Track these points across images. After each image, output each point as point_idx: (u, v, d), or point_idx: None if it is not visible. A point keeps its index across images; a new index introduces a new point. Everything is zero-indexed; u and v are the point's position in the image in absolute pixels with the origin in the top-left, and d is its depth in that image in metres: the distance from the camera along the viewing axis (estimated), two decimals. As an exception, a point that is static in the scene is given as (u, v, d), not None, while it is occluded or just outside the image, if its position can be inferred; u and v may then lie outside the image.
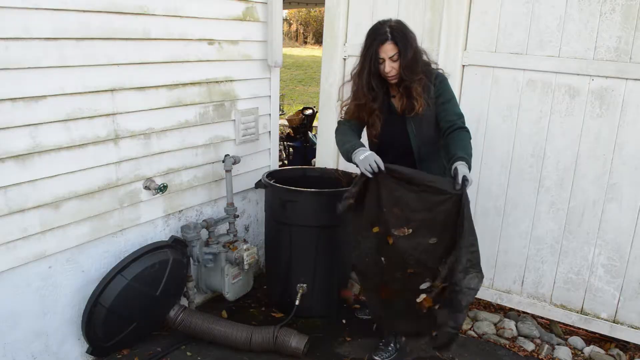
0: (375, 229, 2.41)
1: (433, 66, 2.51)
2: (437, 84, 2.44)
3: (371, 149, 2.53)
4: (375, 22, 2.44)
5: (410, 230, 2.31)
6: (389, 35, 2.33)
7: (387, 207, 2.33)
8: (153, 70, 2.72)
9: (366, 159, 2.30)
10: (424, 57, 2.45)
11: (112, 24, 2.47)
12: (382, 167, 2.31)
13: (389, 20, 2.40)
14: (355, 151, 2.37)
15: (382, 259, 2.44)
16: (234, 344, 2.84)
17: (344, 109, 2.61)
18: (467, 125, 2.45)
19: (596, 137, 2.84)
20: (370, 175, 2.32)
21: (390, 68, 2.37)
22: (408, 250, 2.33)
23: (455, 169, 2.21)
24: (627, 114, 2.74)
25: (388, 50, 2.34)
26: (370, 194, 2.37)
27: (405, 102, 2.43)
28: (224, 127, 3.24)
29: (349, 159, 2.43)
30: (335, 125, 2.68)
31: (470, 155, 2.32)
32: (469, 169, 2.25)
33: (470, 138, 2.41)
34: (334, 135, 2.66)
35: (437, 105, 2.44)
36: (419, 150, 2.53)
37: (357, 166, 2.36)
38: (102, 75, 2.47)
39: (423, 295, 2.37)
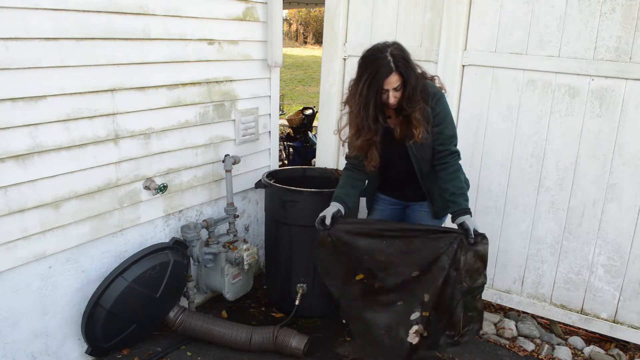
0: (360, 277, 2.47)
1: (427, 76, 2.43)
2: (433, 105, 2.35)
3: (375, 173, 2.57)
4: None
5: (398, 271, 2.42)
6: (394, 66, 2.19)
7: (368, 254, 2.43)
8: (153, 70, 2.72)
9: (318, 216, 2.44)
10: (417, 70, 2.32)
11: (112, 24, 2.47)
12: (327, 224, 2.42)
13: (388, 46, 2.24)
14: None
15: (371, 299, 2.49)
16: (234, 345, 2.84)
17: (347, 142, 2.52)
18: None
19: (596, 137, 2.84)
20: (319, 228, 2.44)
21: (393, 99, 2.26)
22: (396, 287, 2.43)
23: (464, 223, 2.30)
24: (627, 114, 2.74)
25: (393, 81, 2.22)
26: (344, 246, 2.44)
27: (405, 129, 2.36)
28: (224, 127, 3.24)
29: None
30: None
31: (467, 198, 2.39)
32: (470, 212, 2.35)
33: (460, 159, 2.44)
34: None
35: (433, 126, 2.37)
36: (421, 169, 2.49)
37: None
38: (102, 75, 2.47)
39: (415, 327, 2.41)
